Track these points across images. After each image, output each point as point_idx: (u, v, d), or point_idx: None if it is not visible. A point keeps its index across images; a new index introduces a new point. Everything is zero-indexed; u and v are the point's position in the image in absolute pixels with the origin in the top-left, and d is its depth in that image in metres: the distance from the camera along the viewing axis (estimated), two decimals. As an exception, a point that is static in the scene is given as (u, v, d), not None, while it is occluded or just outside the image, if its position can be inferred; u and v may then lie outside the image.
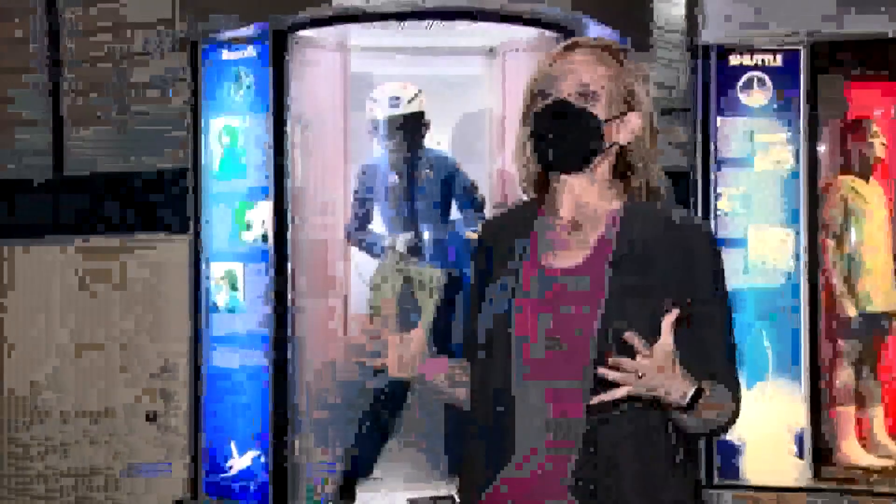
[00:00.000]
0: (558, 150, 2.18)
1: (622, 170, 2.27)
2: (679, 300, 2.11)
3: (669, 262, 2.14)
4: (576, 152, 2.19)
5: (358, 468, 4.84)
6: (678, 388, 2.00)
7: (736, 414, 2.17)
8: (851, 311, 5.31)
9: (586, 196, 2.24)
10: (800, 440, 4.94)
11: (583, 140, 2.18)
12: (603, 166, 2.24)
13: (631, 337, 1.98)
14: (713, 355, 2.16)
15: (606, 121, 2.18)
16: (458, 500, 2.37)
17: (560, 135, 2.17)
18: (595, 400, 1.99)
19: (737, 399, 2.16)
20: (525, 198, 2.36)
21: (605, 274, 2.15)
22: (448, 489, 4.72)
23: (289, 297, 4.58)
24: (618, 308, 2.11)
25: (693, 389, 2.00)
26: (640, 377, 1.96)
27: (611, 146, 2.22)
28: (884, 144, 5.50)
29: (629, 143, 2.23)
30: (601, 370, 1.97)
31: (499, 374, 2.18)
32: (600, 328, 2.10)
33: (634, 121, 2.22)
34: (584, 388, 2.07)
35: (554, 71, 2.20)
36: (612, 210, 2.23)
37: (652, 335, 2.06)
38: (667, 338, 1.98)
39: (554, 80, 2.19)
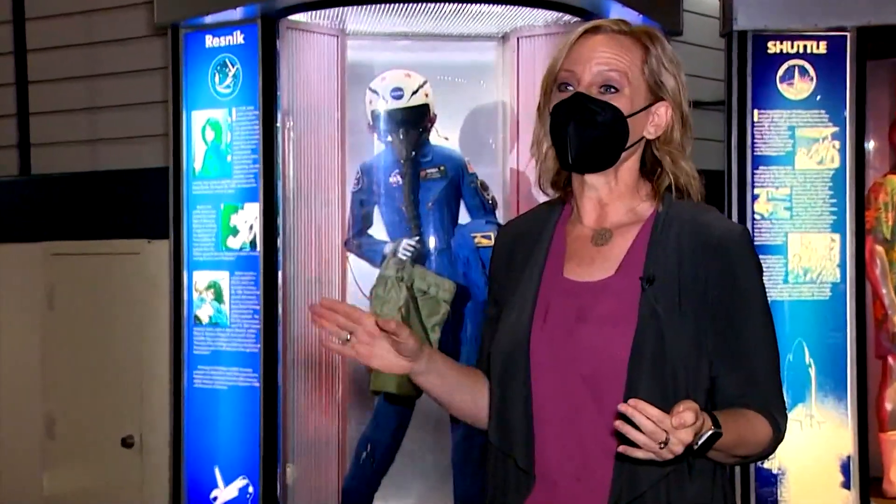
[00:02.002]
0: (579, 149, 2.15)
1: (650, 167, 2.26)
2: (719, 320, 2.11)
3: (708, 276, 2.12)
4: (599, 151, 2.17)
5: (355, 500, 4.85)
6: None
7: (777, 440, 2.17)
8: (903, 326, 5.33)
9: (612, 198, 2.23)
10: (846, 468, 4.94)
11: (606, 137, 2.16)
12: (629, 164, 2.22)
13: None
14: (756, 379, 2.16)
15: (632, 114, 2.18)
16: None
17: (581, 132, 2.14)
18: (620, 450, 1.90)
19: (777, 426, 2.16)
20: (543, 198, 2.35)
21: (638, 290, 2.14)
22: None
23: (280, 310, 4.58)
24: (653, 330, 2.09)
25: (706, 435, 1.92)
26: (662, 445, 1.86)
27: (637, 142, 2.21)
28: (938, 140, 5.52)
29: (658, 137, 2.22)
30: (618, 424, 1.87)
31: (518, 401, 2.17)
32: (633, 352, 2.09)
33: (663, 112, 2.20)
34: (613, 419, 2.06)
35: (573, 59, 2.18)
36: (643, 215, 2.22)
37: (690, 359, 2.07)
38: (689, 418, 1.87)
39: (573, 70, 2.17)
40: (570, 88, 2.18)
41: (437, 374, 2.26)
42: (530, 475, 2.17)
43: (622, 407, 1.85)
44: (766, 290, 2.22)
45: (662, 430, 1.83)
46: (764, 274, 2.22)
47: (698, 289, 2.13)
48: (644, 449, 1.86)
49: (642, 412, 1.83)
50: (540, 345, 2.18)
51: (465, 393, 2.31)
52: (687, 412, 1.85)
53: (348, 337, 2.17)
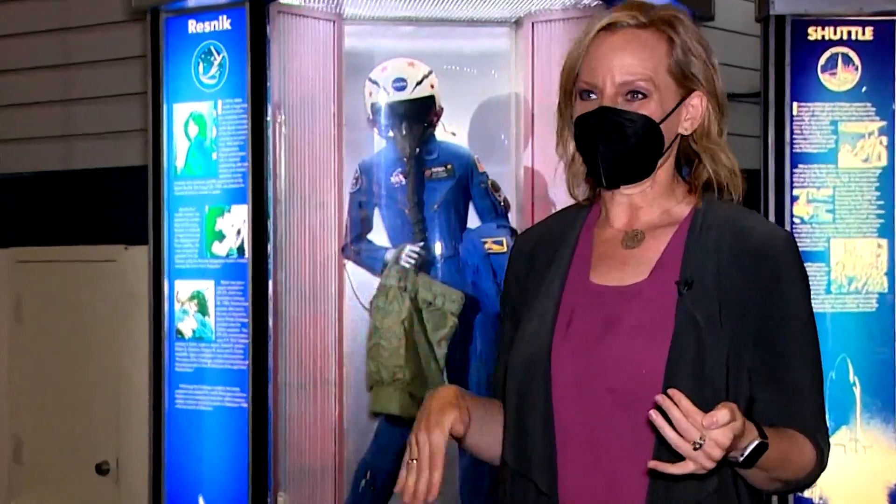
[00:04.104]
0: (612, 168, 2.15)
1: (685, 163, 2.26)
2: (759, 333, 2.11)
3: (749, 285, 2.11)
4: (634, 165, 2.17)
5: (354, 532, 4.85)
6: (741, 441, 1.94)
7: (820, 466, 2.17)
8: (956, 340, 5.31)
9: (646, 202, 2.23)
10: (895, 497, 4.93)
11: (640, 149, 2.15)
12: (663, 165, 2.23)
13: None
14: (798, 400, 2.16)
15: (664, 118, 2.17)
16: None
17: (611, 149, 2.14)
18: (651, 465, 1.92)
19: (822, 451, 2.16)
20: (560, 198, 2.35)
21: (674, 296, 2.13)
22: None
23: (270, 323, 4.57)
24: (692, 340, 2.08)
25: (753, 445, 1.96)
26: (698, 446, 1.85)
27: (672, 142, 2.21)
28: None
29: (694, 130, 2.22)
30: (655, 417, 1.87)
31: (538, 418, 2.16)
32: (669, 365, 2.07)
33: (697, 103, 2.20)
34: (646, 439, 2.05)
35: (592, 67, 2.16)
36: (678, 217, 2.21)
37: (731, 373, 2.06)
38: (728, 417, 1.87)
39: (593, 76, 2.15)
40: (594, 97, 2.17)
41: (475, 421, 2.19)
42: (553, 500, 2.16)
43: (659, 398, 1.85)
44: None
45: (696, 428, 1.83)
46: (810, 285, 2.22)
47: (738, 298, 2.13)
48: (678, 457, 1.85)
49: (678, 403, 1.84)
50: (562, 356, 2.16)
51: (490, 433, 2.29)
52: (720, 410, 1.84)
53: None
